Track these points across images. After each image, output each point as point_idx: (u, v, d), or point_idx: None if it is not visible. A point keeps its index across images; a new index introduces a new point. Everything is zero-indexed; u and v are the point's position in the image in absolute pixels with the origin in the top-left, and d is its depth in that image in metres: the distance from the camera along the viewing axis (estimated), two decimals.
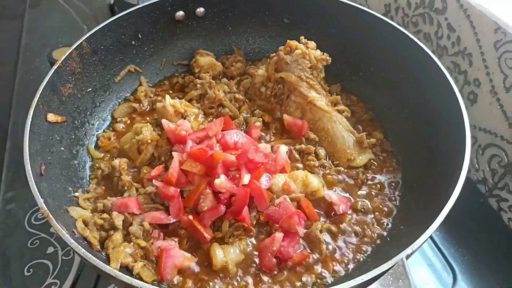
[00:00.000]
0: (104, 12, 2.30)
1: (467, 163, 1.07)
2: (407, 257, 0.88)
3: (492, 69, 1.40)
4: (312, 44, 1.51)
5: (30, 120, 1.15)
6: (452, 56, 1.56)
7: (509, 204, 1.40)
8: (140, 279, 1.05)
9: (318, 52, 1.50)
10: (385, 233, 1.23)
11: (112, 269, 0.84)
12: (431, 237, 1.41)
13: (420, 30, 1.70)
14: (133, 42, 1.59)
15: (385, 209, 1.29)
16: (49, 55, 1.77)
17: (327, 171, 1.38)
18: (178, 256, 1.12)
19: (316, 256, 1.16)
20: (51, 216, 0.94)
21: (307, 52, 1.47)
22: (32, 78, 1.93)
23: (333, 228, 1.22)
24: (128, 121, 1.54)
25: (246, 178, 1.16)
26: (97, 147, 1.45)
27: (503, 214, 1.43)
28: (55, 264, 1.28)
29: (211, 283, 1.10)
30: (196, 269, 1.13)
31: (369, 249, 1.20)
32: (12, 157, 1.60)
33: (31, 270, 1.27)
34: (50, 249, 1.32)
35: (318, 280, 1.12)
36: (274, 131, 1.51)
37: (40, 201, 0.97)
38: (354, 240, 1.21)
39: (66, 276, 1.24)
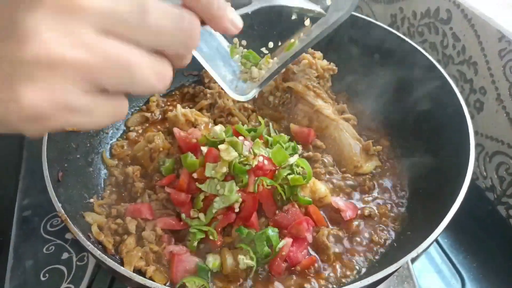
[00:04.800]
0: None
1: (471, 168, 1.09)
2: (412, 260, 0.90)
3: (498, 78, 1.41)
4: (318, 54, 1.55)
5: None
6: (458, 65, 1.58)
7: None
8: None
9: (325, 62, 1.54)
10: (391, 239, 1.25)
11: (127, 270, 0.87)
12: (439, 244, 1.42)
13: (425, 39, 1.73)
14: None
15: (392, 215, 1.31)
16: None
17: (334, 178, 1.41)
18: (189, 261, 1.14)
19: (324, 260, 1.18)
20: (69, 220, 0.98)
21: (313, 62, 1.51)
22: None
23: (340, 234, 1.24)
24: (141, 130, 1.59)
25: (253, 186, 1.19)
26: (111, 155, 1.49)
27: None
28: (70, 269, 1.30)
29: (221, 287, 1.12)
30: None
31: (376, 254, 1.21)
32: (28, 165, 1.64)
33: (46, 275, 1.29)
34: (65, 255, 1.34)
35: (326, 284, 1.14)
36: None
37: (58, 205, 1.01)
38: (361, 245, 1.23)
39: (80, 282, 1.27)
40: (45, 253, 1.36)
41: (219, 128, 1.27)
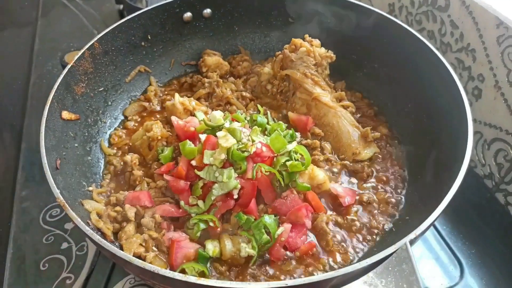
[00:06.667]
0: (113, 17, 2.36)
1: (469, 153, 1.09)
2: (411, 242, 0.90)
3: (496, 64, 1.41)
4: (316, 41, 1.55)
5: (46, 116, 1.19)
6: (456, 53, 1.58)
7: None
8: None
9: (323, 50, 1.53)
10: (390, 224, 1.25)
11: (126, 254, 0.87)
12: (438, 231, 1.42)
13: (424, 28, 1.72)
14: (142, 43, 1.64)
15: (390, 200, 1.31)
16: (61, 59, 1.84)
17: (333, 165, 1.41)
18: (189, 247, 1.15)
19: (323, 246, 1.19)
20: (67, 206, 0.98)
21: (311, 49, 1.50)
22: (45, 81, 1.99)
23: (339, 219, 1.25)
24: (139, 119, 1.59)
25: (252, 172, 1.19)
26: (109, 144, 1.49)
27: (510, 208, 1.44)
28: (69, 259, 1.31)
29: (220, 272, 1.13)
30: None
31: (375, 239, 1.22)
32: (26, 157, 1.64)
33: (46, 265, 1.30)
34: (65, 245, 1.35)
35: (325, 269, 1.14)
36: None
37: (57, 191, 1.01)
38: (359, 231, 1.23)
39: (80, 271, 1.27)
40: (45, 243, 1.36)
41: (218, 113, 1.26)
